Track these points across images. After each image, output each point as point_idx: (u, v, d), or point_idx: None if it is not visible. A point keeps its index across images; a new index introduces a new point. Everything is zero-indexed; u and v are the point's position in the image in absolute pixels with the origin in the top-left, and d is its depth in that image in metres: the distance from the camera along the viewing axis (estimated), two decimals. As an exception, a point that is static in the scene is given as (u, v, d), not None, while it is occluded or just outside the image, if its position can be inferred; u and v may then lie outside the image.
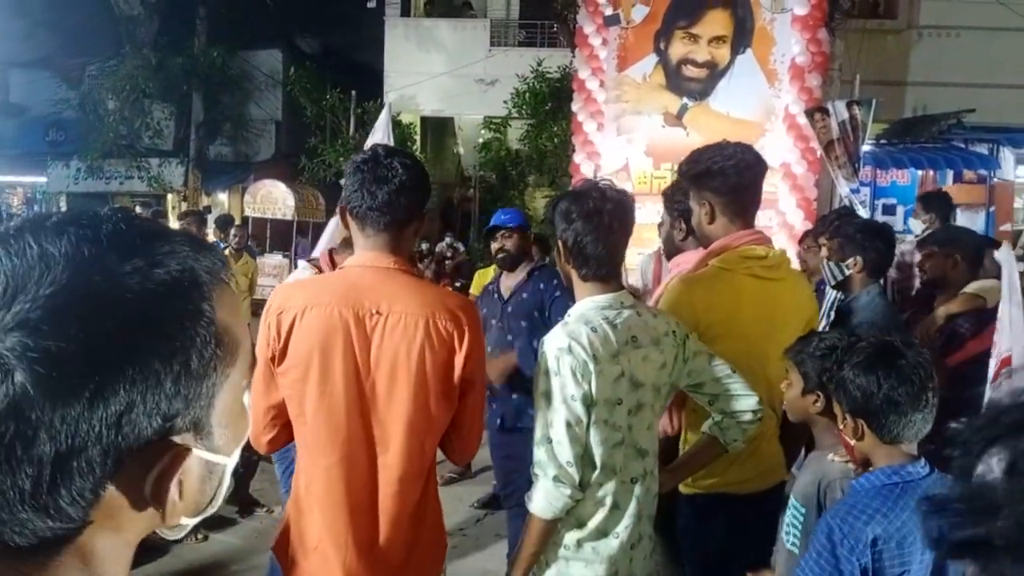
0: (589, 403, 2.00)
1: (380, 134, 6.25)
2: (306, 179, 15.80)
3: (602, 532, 2.07)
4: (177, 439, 0.65)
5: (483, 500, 5.48)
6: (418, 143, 15.84)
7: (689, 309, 2.39)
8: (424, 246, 12.22)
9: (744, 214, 2.54)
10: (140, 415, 0.61)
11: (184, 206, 16.70)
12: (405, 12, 16.07)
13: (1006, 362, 2.80)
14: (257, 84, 18.48)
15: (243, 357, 0.70)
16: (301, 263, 4.19)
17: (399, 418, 2.00)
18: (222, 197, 18.35)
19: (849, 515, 1.75)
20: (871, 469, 1.83)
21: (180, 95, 17.53)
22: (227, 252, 8.42)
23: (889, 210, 10.18)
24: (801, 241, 5.09)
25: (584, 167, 10.86)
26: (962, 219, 7.73)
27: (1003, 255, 2.89)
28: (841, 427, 1.90)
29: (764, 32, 10.12)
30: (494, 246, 4.09)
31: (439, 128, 17.60)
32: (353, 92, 15.04)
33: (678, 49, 10.54)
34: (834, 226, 3.90)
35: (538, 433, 2.02)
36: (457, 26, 15.53)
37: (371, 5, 16.89)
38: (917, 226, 5.35)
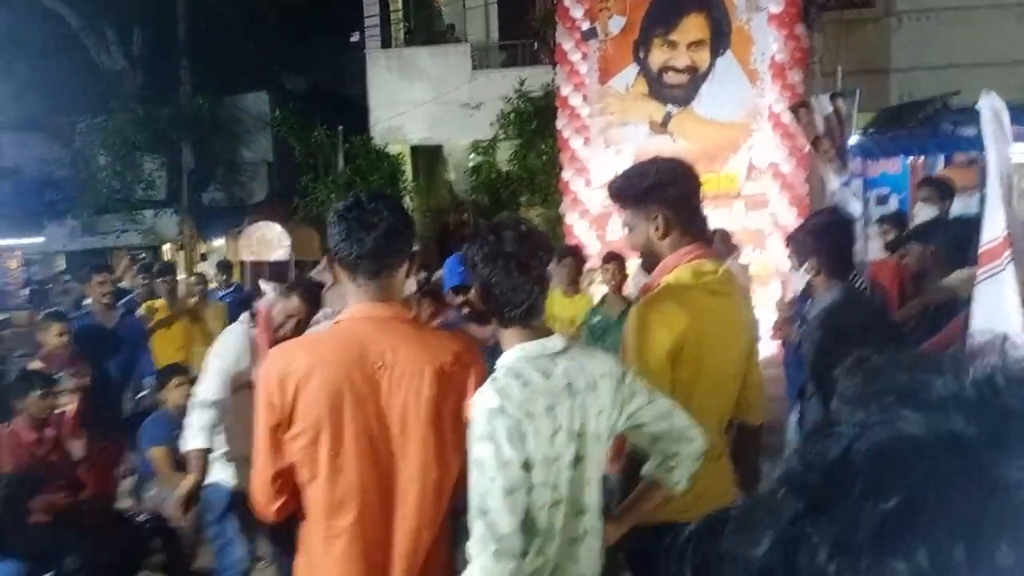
0: (527, 466, 1.84)
1: None
2: (300, 218, 15.81)
3: None
4: None
5: None
6: (408, 172, 15.85)
7: (663, 329, 2.29)
8: (423, 275, 12.16)
9: (694, 227, 2.45)
10: None
11: (181, 256, 16.73)
12: (386, 44, 16.13)
13: (995, 252, 2.41)
14: (246, 127, 18.54)
15: None
16: (243, 316, 4.07)
17: (414, 469, 1.99)
18: (219, 243, 18.37)
19: None
20: None
21: (170, 145, 17.61)
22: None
23: (883, 200, 10.08)
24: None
25: (573, 183, 10.84)
26: (956, 203, 7.65)
27: (984, 104, 2.55)
28: None
29: (742, 33, 10.10)
30: (458, 300, 3.78)
31: (429, 156, 17.62)
32: (340, 127, 15.08)
33: (657, 57, 10.53)
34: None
35: (473, 505, 1.85)
36: (438, 52, 15.57)
37: (354, 39, 17.03)
38: (928, 212, 5.24)
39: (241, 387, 3.87)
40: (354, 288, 2.04)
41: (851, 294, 3.12)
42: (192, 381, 5.36)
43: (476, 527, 1.83)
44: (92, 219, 16.94)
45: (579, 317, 5.25)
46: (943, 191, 5.22)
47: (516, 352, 1.96)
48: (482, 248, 1.96)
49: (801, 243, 3.11)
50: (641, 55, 10.66)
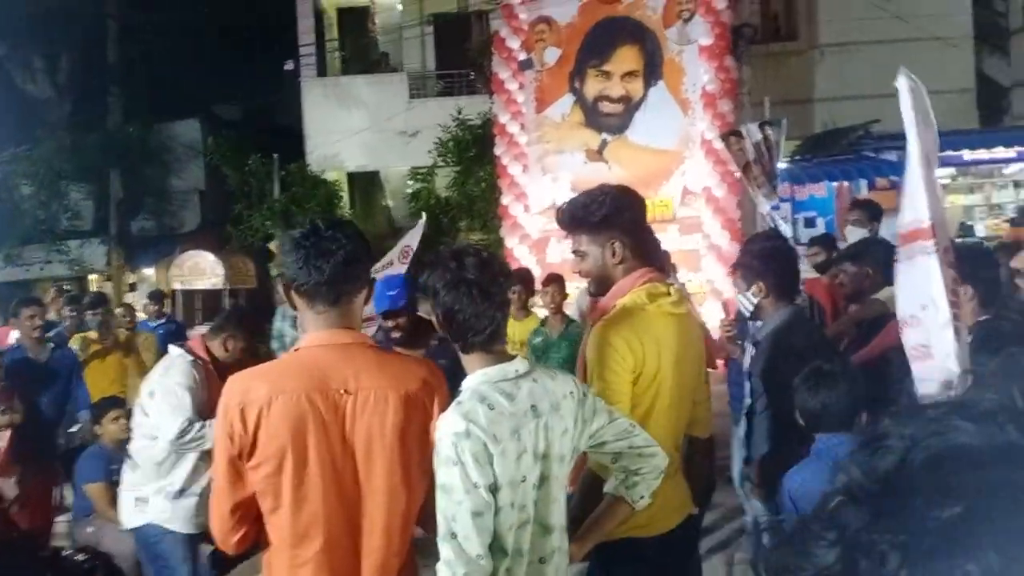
0: (494, 488, 1.85)
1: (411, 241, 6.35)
2: (234, 247, 15.57)
3: None
4: None
5: None
6: (346, 199, 15.78)
7: (624, 348, 2.35)
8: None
9: (646, 251, 2.54)
10: None
11: (109, 286, 16.28)
12: (321, 72, 16.09)
13: (917, 235, 2.26)
14: (176, 155, 18.21)
15: None
16: (173, 349, 3.96)
17: (380, 497, 1.95)
18: (148, 272, 17.94)
19: None
20: None
21: (97, 174, 17.17)
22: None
23: (810, 223, 10.47)
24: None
25: (513, 208, 10.96)
26: (883, 225, 7.97)
27: (902, 83, 2.35)
28: None
29: (673, 64, 10.40)
30: (387, 324, 3.79)
31: (365, 183, 17.58)
32: (275, 155, 14.94)
33: (592, 87, 10.76)
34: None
35: (441, 529, 1.85)
36: (374, 81, 15.61)
37: (288, 68, 16.93)
38: (858, 233, 5.46)
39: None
40: (312, 316, 2.00)
41: (798, 315, 3.26)
42: (129, 414, 5.23)
43: (444, 550, 1.83)
44: (16, 250, 16.38)
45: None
46: (872, 213, 5.45)
47: (479, 376, 1.97)
48: (444, 275, 1.97)
49: (749, 266, 3.23)
50: (576, 85, 10.88)
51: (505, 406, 1.90)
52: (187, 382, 3.75)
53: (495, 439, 1.85)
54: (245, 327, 4.01)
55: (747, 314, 3.32)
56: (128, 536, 4.61)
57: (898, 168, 10.49)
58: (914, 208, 2.31)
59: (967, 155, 11.15)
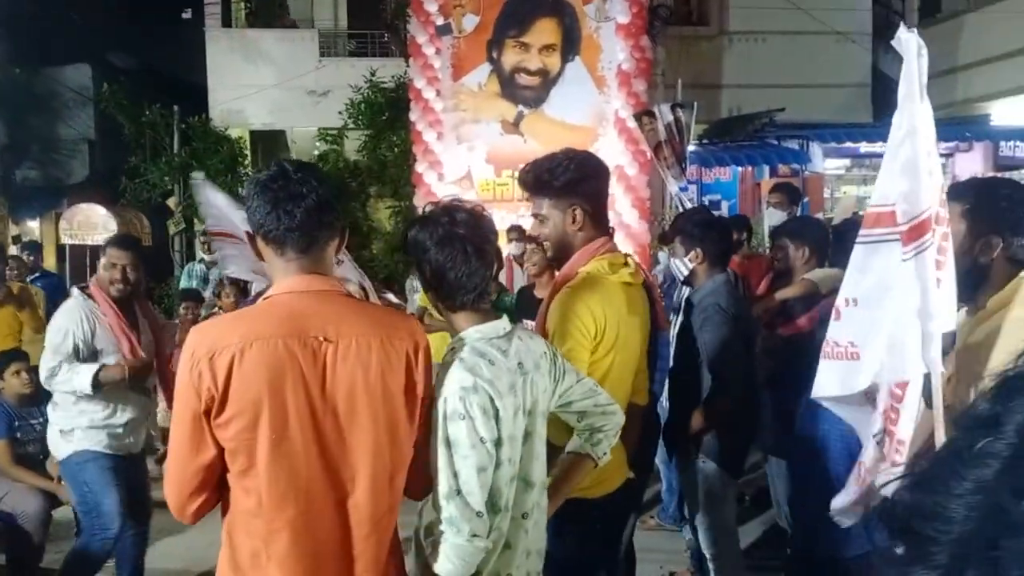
0: (498, 443, 1.86)
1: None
2: (128, 201, 14.88)
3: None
4: None
5: None
6: (249, 158, 15.30)
7: (588, 317, 2.40)
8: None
9: (605, 221, 2.61)
10: None
11: (-10, 236, 15.33)
12: (227, 24, 15.49)
13: (920, 229, 1.97)
14: (65, 102, 17.20)
15: None
16: (74, 291, 4.02)
17: (364, 451, 1.80)
18: (33, 225, 16.97)
19: None
20: None
21: (-24, 118, 16.08)
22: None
23: (715, 206, 10.84)
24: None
25: (427, 176, 10.88)
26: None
27: (907, 40, 2.01)
28: None
29: (591, 40, 10.52)
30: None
31: (269, 142, 17.07)
32: (175, 107, 14.33)
33: (510, 58, 10.77)
34: (674, 225, 4.08)
35: (444, 486, 1.81)
36: (284, 37, 15.13)
37: (186, 16, 16.20)
38: (778, 216, 5.70)
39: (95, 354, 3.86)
40: (282, 264, 1.86)
41: (730, 283, 3.46)
42: (30, 368, 5.01)
43: (449, 508, 1.80)
44: None
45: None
46: (792, 196, 5.74)
47: (474, 333, 1.96)
48: (435, 231, 1.93)
49: (690, 234, 3.40)
50: (494, 55, 10.86)
51: (502, 362, 1.91)
52: (66, 324, 3.81)
53: (498, 393, 1.86)
54: (127, 248, 3.98)
55: (681, 279, 3.50)
56: (34, 495, 4.45)
57: (800, 156, 11.02)
58: (910, 196, 2.04)
59: (863, 148, 11.75)
